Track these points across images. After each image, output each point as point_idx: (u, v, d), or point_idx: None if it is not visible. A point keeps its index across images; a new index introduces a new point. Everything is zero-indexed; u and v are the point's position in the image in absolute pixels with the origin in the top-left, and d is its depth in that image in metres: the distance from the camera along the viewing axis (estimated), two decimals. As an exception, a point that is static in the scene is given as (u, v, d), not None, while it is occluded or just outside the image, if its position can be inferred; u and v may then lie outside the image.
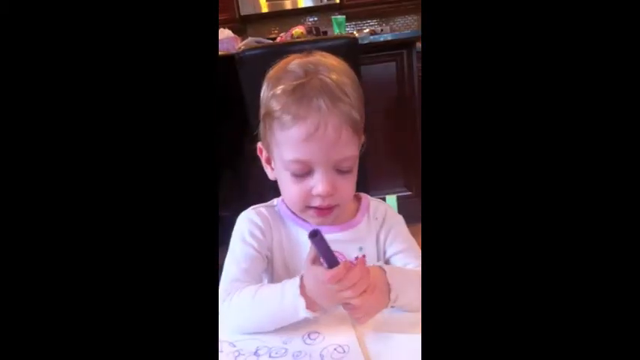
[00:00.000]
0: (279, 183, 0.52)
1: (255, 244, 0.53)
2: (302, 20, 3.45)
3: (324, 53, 0.52)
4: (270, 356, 0.42)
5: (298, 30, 1.88)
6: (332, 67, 0.48)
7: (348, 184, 0.49)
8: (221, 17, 3.23)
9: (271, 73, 0.51)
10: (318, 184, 0.47)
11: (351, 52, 1.32)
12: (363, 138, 0.53)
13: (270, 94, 0.48)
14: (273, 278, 0.55)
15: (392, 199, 0.69)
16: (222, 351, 0.43)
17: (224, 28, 2.19)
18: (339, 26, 1.83)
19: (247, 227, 0.54)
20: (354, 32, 2.76)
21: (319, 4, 3.23)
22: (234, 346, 0.44)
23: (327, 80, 0.46)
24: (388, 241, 0.55)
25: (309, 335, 0.45)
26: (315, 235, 0.42)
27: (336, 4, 3.20)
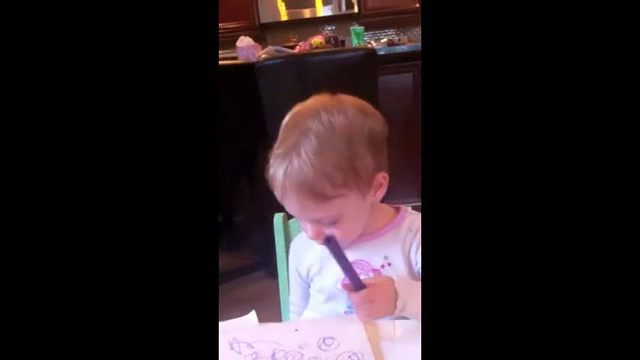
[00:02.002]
0: None
1: (294, 271, 0.64)
2: (320, 29, 3.50)
3: (339, 107, 0.52)
4: (286, 360, 0.44)
5: (317, 39, 1.92)
6: (319, 134, 0.49)
7: (337, 231, 0.52)
8: (241, 24, 3.30)
9: (292, 113, 0.53)
10: (307, 231, 0.54)
11: (369, 63, 1.34)
12: (380, 178, 0.54)
13: (273, 149, 0.53)
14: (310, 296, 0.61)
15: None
16: (240, 352, 0.45)
17: (244, 35, 2.24)
18: (358, 37, 1.85)
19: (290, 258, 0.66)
20: (372, 42, 2.79)
21: (338, 13, 3.28)
22: (252, 347, 0.46)
23: (291, 148, 0.50)
24: (419, 252, 0.56)
25: (324, 341, 0.46)
26: (329, 241, 0.45)
27: (354, 13, 3.24)
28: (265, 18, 3.30)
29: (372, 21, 3.24)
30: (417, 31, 3.43)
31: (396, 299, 0.47)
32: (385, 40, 2.89)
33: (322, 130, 0.49)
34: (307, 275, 0.62)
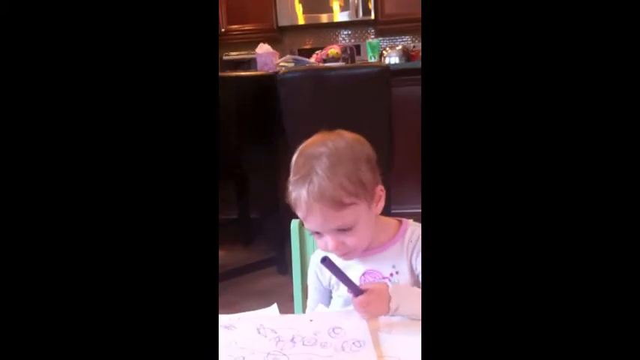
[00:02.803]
0: None
1: (315, 279, 0.74)
2: (336, 33, 3.59)
3: (330, 134, 0.64)
4: (303, 344, 0.54)
5: (334, 50, 2.02)
6: (323, 154, 0.61)
7: (354, 238, 0.63)
8: (260, 27, 3.41)
9: (300, 149, 0.65)
10: (328, 244, 0.63)
11: (382, 78, 1.44)
12: (379, 191, 0.65)
13: (289, 180, 0.64)
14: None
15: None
16: (265, 336, 0.56)
17: (263, 39, 2.35)
18: (373, 50, 1.95)
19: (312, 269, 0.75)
20: (387, 48, 2.87)
21: (355, 19, 3.36)
22: (276, 332, 0.57)
23: (310, 171, 0.60)
24: (419, 260, 0.66)
25: (333, 330, 0.57)
26: (324, 261, 0.58)
27: (370, 20, 3.32)
28: (283, 21, 3.41)
29: (388, 28, 3.32)
30: (431, 38, 3.49)
31: (389, 301, 0.57)
32: (400, 47, 2.97)
33: (330, 152, 0.61)
34: (329, 284, 0.72)
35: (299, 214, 0.63)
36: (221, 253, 1.88)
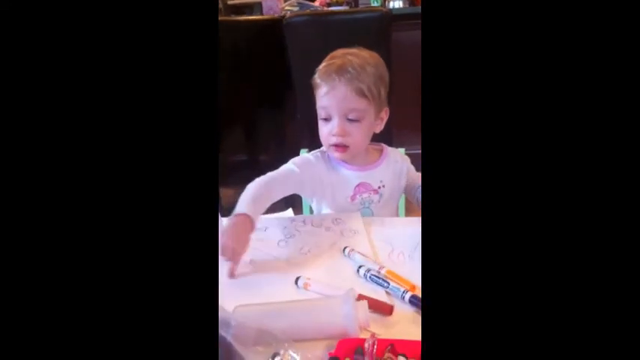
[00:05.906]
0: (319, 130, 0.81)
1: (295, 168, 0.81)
2: (341, -24, 3.52)
3: (364, 49, 0.78)
4: (312, 225, 0.73)
5: (337, -6, 2.06)
6: (358, 55, 0.75)
7: (357, 131, 0.77)
8: (263, -30, 3.36)
9: (336, 51, 0.79)
10: (334, 127, 0.76)
11: (384, 23, 1.52)
12: (384, 112, 0.79)
13: (317, 68, 0.78)
14: (319, 202, 0.85)
15: (402, 150, 0.97)
16: (294, 220, 0.74)
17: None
18: (376, -6, 1.99)
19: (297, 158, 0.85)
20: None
21: (359, -40, 3.29)
22: (295, 220, 0.75)
23: (346, 61, 0.74)
24: (405, 174, 0.86)
25: (335, 220, 0.75)
26: None
27: (375, -39, 3.25)
28: (287, -37, 3.34)
29: (393, -30, 3.26)
30: (437, -18, 3.42)
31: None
32: (404, -9, 2.95)
33: (363, 56, 0.76)
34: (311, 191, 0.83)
35: (321, 91, 0.76)
36: (233, 191, 2.06)
